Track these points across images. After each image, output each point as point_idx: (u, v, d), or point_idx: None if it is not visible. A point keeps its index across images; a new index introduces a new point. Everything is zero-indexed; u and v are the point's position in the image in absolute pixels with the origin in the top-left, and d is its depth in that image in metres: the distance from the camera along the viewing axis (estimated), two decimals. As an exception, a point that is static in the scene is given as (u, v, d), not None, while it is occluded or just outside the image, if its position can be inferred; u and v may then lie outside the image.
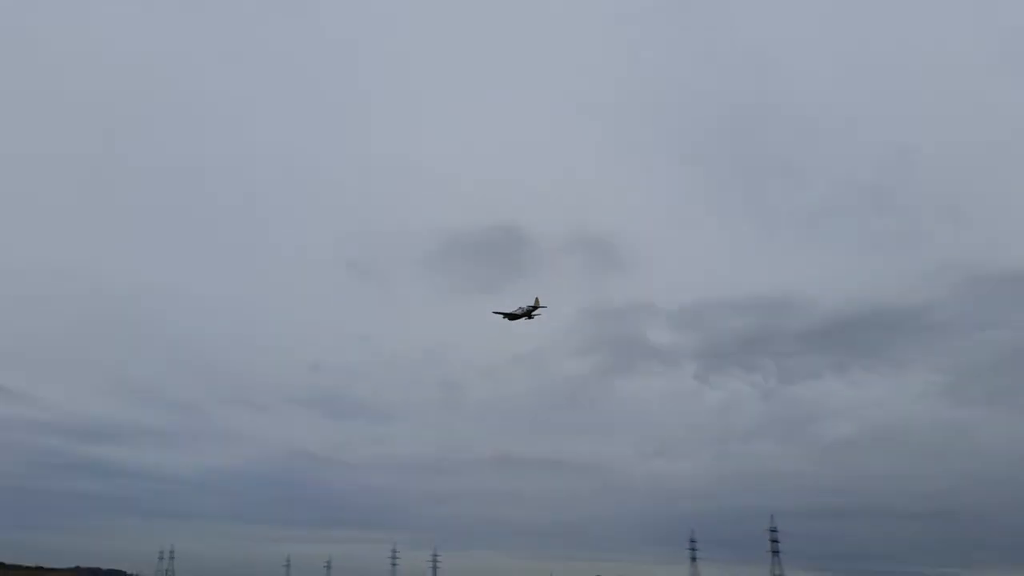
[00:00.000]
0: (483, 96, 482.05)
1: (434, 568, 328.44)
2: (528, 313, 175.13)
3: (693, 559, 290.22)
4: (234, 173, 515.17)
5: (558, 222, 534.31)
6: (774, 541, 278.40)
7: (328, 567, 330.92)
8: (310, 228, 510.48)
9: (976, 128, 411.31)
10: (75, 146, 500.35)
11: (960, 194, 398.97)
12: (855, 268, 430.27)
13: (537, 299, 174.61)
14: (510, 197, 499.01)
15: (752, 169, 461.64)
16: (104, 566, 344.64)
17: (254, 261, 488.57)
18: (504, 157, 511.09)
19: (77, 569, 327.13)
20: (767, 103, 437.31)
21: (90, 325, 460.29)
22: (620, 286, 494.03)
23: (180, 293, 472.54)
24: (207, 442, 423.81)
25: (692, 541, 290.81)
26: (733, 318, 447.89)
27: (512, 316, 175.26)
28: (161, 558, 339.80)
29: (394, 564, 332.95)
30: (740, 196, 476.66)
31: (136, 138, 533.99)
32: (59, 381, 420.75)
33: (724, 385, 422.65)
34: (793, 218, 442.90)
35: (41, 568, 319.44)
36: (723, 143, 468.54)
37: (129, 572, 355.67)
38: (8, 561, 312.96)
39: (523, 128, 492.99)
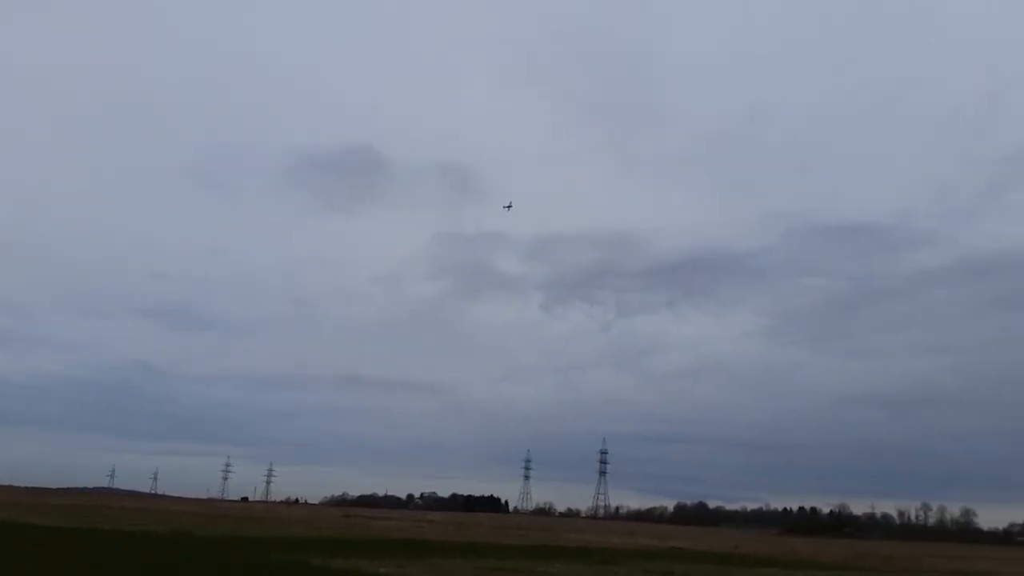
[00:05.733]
0: (354, 14, 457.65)
1: (268, 482, 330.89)
2: None
3: (526, 477, 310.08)
4: (80, 73, 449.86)
5: (419, 147, 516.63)
6: (603, 463, 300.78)
7: (155, 478, 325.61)
8: (154, 134, 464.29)
9: (824, 91, 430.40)
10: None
11: (803, 150, 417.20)
12: (697, 213, 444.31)
13: None
14: (371, 118, 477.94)
15: (618, 112, 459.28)
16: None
17: (91, 160, 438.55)
18: (368, 77, 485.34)
19: None
20: (641, 50, 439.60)
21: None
22: (475, 214, 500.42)
23: (9, 181, 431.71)
24: (38, 346, 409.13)
25: (527, 461, 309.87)
26: (580, 252, 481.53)
27: None
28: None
29: (225, 478, 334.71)
30: (603, 136, 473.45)
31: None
32: None
33: (568, 316, 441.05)
34: (649, 162, 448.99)
35: None
36: (594, 84, 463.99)
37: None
38: None
39: (392, 50, 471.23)
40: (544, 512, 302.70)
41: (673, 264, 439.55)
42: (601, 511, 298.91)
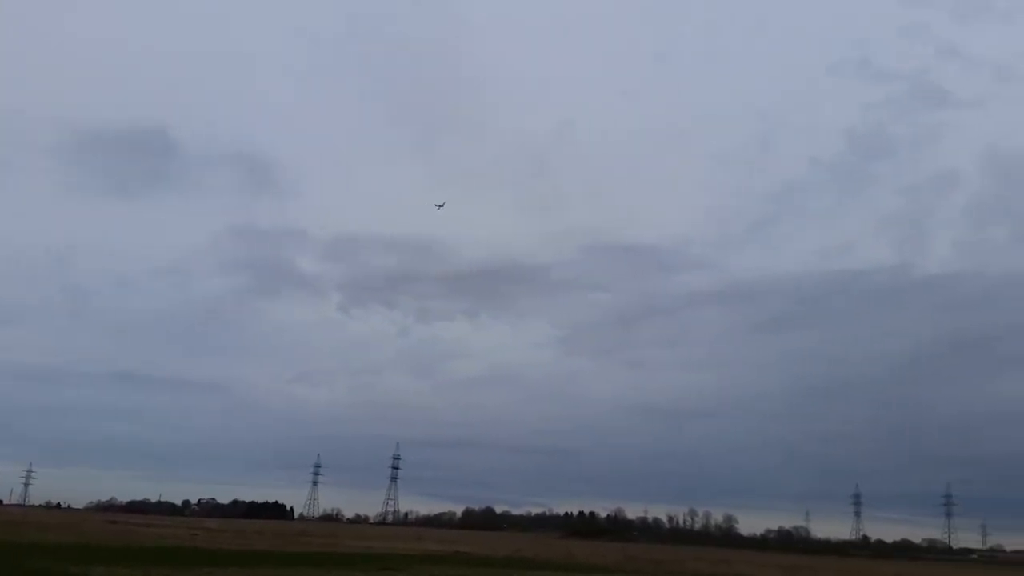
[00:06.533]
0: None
1: (26, 484, 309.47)
2: None
3: (315, 483, 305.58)
4: None
5: (215, 135, 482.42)
6: (395, 468, 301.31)
7: None
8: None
9: (623, 117, 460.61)
10: None
11: (600, 171, 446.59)
12: (500, 224, 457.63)
13: None
14: (164, 99, 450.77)
15: (428, 117, 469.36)
16: None
17: None
18: (163, 56, 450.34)
19: None
20: (454, 58, 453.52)
21: None
22: (273, 209, 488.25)
23: None
24: None
25: (317, 466, 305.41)
26: (382, 256, 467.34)
27: None
28: None
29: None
30: (411, 141, 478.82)
31: None
32: None
33: (366, 319, 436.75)
34: (456, 169, 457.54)
35: None
36: (405, 88, 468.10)
37: None
38: None
39: (193, 32, 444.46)
40: (331, 519, 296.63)
41: (474, 273, 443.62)
42: (390, 517, 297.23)
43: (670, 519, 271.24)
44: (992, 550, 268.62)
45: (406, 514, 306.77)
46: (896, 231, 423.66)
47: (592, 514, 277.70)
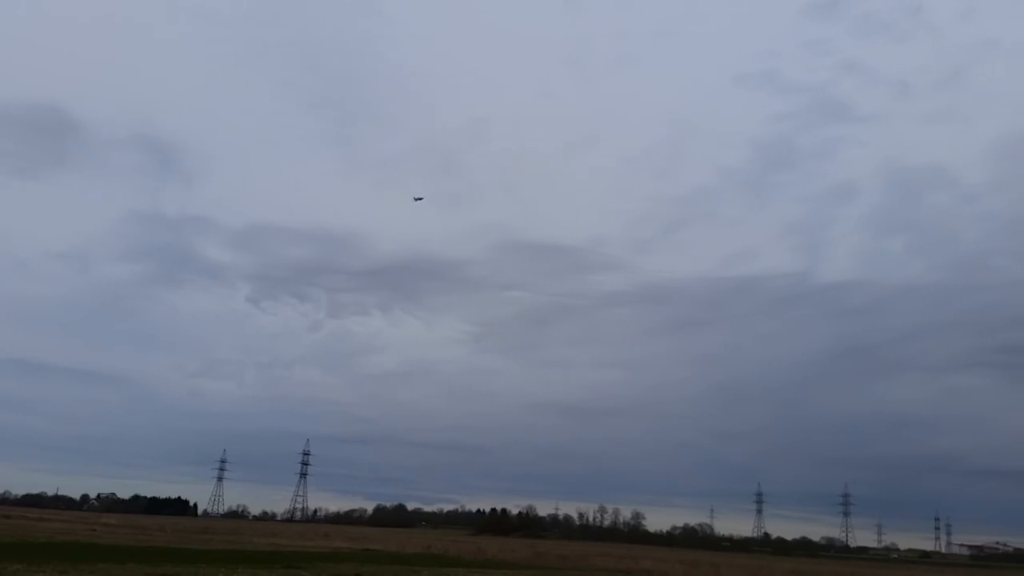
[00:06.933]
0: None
1: None
2: None
3: (219, 479, 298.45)
4: None
5: (119, 116, 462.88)
6: (304, 464, 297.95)
7: None
8: None
9: (536, 117, 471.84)
10: None
11: (515, 170, 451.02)
12: (414, 219, 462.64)
13: None
14: (63, 76, 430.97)
15: (343, 109, 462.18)
16: None
17: None
18: (64, 31, 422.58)
19: None
20: (370, 50, 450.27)
21: None
22: (179, 195, 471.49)
23: None
24: None
25: (222, 461, 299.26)
26: (294, 247, 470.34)
27: None
28: None
29: None
30: (326, 132, 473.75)
31: None
32: None
33: (276, 311, 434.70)
34: (371, 163, 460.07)
35: None
36: (320, 78, 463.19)
37: None
38: None
39: (96, 7, 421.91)
40: (237, 516, 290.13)
41: (388, 267, 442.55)
42: (299, 514, 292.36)
43: (580, 516, 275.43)
44: (887, 548, 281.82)
45: (315, 511, 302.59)
46: (797, 239, 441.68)
47: (504, 511, 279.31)
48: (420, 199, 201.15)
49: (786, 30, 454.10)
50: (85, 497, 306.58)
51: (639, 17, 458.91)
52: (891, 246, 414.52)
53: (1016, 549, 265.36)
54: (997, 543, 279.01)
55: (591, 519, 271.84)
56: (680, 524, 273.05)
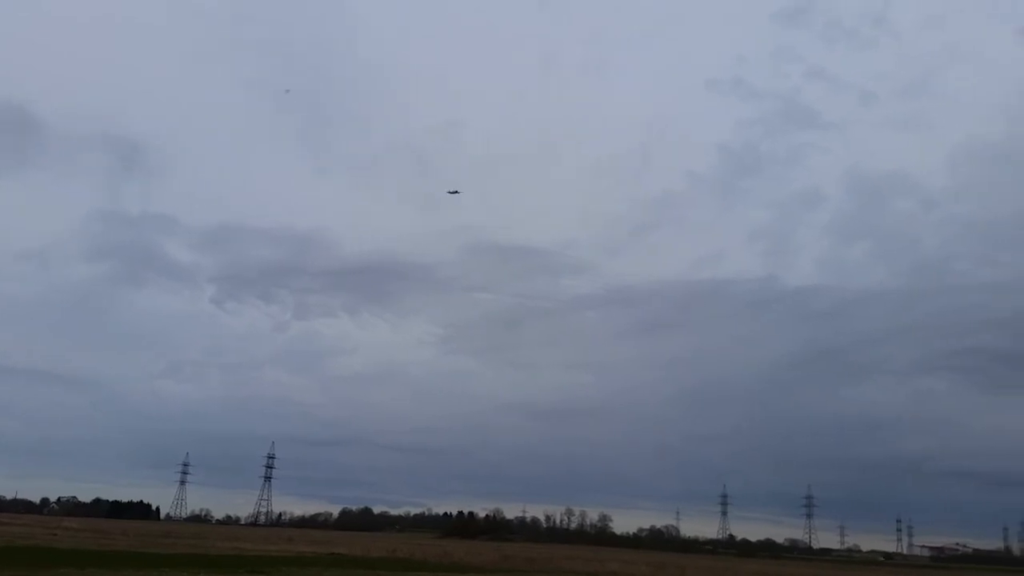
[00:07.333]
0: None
1: None
2: None
3: (182, 483, 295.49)
4: None
5: (81, 114, 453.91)
6: (269, 468, 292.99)
7: None
8: None
9: (512, 118, 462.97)
10: None
11: (485, 172, 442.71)
12: (384, 220, 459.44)
13: None
14: (23, 74, 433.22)
15: (315, 108, 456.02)
16: None
17: None
18: (26, 28, 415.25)
19: None
20: (342, 49, 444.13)
21: None
22: (143, 194, 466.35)
23: None
24: None
25: (185, 464, 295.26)
26: (260, 247, 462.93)
27: None
28: None
29: None
30: (297, 131, 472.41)
31: None
32: None
33: (241, 312, 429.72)
34: (342, 162, 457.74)
35: None
36: (292, 77, 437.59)
37: None
38: None
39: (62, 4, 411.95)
40: (200, 519, 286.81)
41: (357, 269, 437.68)
42: (263, 518, 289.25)
43: (547, 518, 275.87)
44: (850, 550, 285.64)
45: (280, 515, 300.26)
46: (764, 244, 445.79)
47: (471, 514, 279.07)
48: (456, 192, 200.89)
49: (756, 36, 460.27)
50: (45, 501, 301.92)
51: (612, 21, 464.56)
52: (854, 252, 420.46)
53: (975, 550, 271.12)
54: (957, 544, 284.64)
55: (558, 521, 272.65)
56: (647, 526, 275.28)
